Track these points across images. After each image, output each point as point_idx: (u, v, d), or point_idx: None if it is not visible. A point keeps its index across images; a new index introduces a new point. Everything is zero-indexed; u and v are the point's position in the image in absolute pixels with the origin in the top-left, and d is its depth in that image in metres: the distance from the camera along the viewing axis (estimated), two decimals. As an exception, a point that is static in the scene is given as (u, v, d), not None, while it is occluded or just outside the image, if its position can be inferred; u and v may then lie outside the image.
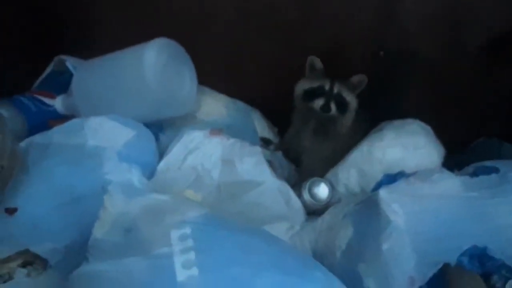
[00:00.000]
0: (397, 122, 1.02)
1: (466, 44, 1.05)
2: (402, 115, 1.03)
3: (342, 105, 1.04)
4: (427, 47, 1.06)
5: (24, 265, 0.69)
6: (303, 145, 1.09)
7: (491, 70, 1.06)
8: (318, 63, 1.07)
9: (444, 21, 1.03)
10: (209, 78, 1.11)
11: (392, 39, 1.07)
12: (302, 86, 1.08)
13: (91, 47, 1.12)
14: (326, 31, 1.09)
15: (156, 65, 0.92)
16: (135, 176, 0.76)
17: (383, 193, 0.74)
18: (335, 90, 1.04)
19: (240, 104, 1.16)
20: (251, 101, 1.18)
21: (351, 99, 1.06)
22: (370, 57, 1.10)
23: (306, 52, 1.10)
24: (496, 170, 0.78)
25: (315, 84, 1.05)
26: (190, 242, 0.58)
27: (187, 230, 0.60)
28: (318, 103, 1.03)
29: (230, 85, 1.16)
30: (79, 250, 0.66)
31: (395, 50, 1.08)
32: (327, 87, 1.04)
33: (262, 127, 1.15)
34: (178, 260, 0.56)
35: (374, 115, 1.06)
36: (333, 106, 1.03)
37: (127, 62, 0.95)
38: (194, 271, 0.55)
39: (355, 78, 1.05)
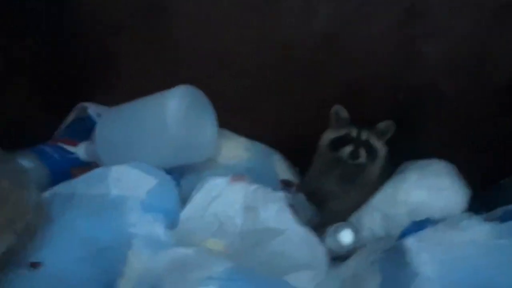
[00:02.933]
0: (420, 163, 1.01)
1: (488, 85, 1.04)
2: (426, 156, 1.02)
3: (371, 152, 1.02)
4: (448, 88, 1.05)
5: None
6: (330, 190, 1.07)
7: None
8: (343, 112, 1.05)
9: (465, 62, 1.03)
10: (228, 120, 1.12)
11: (412, 81, 1.07)
12: (328, 136, 1.06)
13: (111, 93, 1.14)
14: (345, 72, 1.09)
15: (178, 113, 0.93)
16: (159, 229, 0.76)
17: (411, 242, 0.73)
18: (363, 137, 1.02)
19: (260, 147, 1.16)
20: (271, 142, 1.18)
21: (380, 146, 1.04)
22: (390, 99, 1.09)
23: (325, 93, 1.10)
24: (525, 215, 0.76)
25: (342, 132, 1.04)
26: (217, 300, 0.58)
27: (214, 287, 0.59)
28: (347, 150, 1.01)
29: (250, 126, 1.17)
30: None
31: (415, 92, 1.07)
32: (354, 134, 1.03)
33: (282, 169, 1.14)
34: (206, 319, 0.55)
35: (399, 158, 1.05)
36: (362, 153, 1.01)
37: (150, 110, 0.97)
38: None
39: (382, 125, 1.04)
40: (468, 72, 1.03)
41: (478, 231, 0.75)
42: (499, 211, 0.83)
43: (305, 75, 1.11)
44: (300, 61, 1.10)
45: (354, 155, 1.01)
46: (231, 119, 1.13)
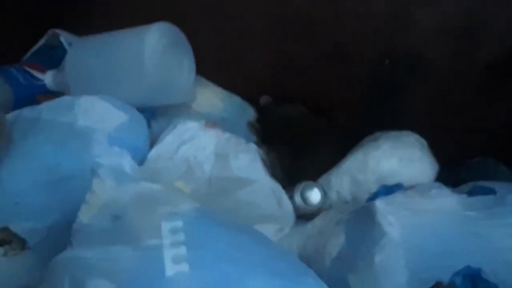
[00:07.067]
0: (393, 133, 1.01)
1: (476, 58, 1.02)
2: (401, 125, 1.01)
3: None
4: (436, 57, 1.04)
5: (1, 244, 0.66)
6: None
7: (501, 86, 1.04)
8: None
9: (456, 32, 1.01)
10: (208, 69, 1.09)
11: (400, 46, 1.06)
12: None
13: (87, 24, 1.09)
14: (336, 32, 1.07)
15: (156, 49, 0.89)
16: (126, 162, 0.73)
17: (379, 204, 0.72)
18: None
19: (237, 99, 1.13)
20: (248, 96, 1.16)
21: None
22: (377, 64, 1.08)
23: (314, 51, 1.09)
24: (493, 192, 0.77)
25: None
26: (181, 236, 0.55)
27: (179, 223, 0.57)
28: None
29: (228, 78, 1.14)
30: (61, 233, 0.62)
31: (403, 59, 1.06)
32: None
33: (256, 125, 1.13)
34: (168, 254, 0.53)
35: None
36: None
37: (126, 43, 0.92)
38: (184, 267, 0.52)
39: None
40: (459, 43, 1.02)
41: (447, 201, 0.75)
42: (468, 186, 0.83)
43: (296, 31, 1.09)
44: (289, 15, 1.07)
45: None
46: (211, 69, 1.10)
